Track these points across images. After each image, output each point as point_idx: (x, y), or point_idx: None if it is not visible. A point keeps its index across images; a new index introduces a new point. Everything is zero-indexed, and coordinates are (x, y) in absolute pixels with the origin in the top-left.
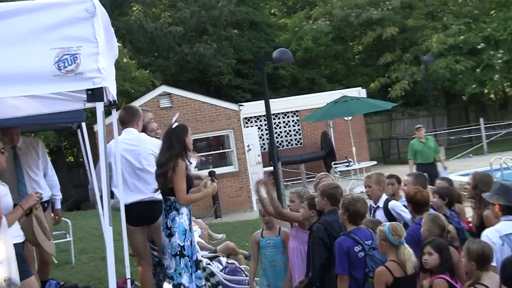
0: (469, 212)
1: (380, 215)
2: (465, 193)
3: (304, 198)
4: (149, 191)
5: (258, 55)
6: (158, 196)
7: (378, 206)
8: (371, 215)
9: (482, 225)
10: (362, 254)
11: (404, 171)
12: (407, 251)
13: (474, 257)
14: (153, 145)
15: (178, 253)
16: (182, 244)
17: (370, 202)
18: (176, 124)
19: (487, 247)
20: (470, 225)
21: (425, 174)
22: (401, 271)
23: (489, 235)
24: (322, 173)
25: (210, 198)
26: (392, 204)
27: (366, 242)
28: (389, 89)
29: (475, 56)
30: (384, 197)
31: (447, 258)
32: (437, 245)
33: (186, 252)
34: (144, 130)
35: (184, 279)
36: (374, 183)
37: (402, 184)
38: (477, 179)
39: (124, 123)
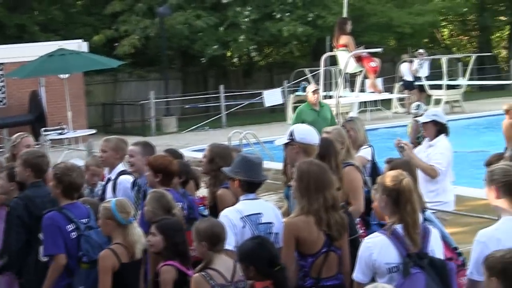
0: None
1: (109, 189)
2: (200, 168)
3: (3, 168)
4: None
5: None
6: None
7: (109, 178)
8: (103, 188)
9: (216, 205)
10: (75, 234)
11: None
12: (137, 231)
13: (204, 237)
14: None
15: None
16: None
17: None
18: None
19: (218, 225)
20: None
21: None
22: (128, 256)
23: (229, 215)
24: (21, 132)
25: None
26: (124, 178)
27: (82, 221)
28: (116, 44)
29: (219, 12)
30: (120, 168)
31: (176, 242)
32: (161, 226)
33: None
34: None
35: None
36: (111, 149)
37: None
38: (214, 152)
39: None
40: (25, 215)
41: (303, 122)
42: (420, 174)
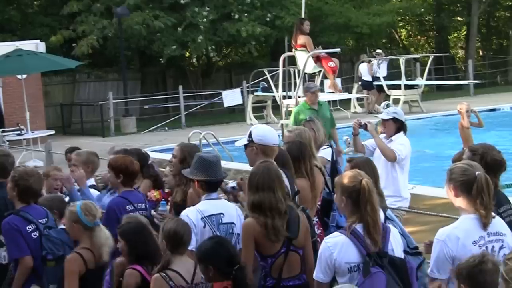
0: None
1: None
2: (165, 170)
3: None
4: None
5: None
6: None
7: None
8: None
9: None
10: (37, 235)
11: (87, 144)
12: (104, 234)
13: (165, 236)
14: None
15: None
16: None
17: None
18: None
19: (183, 227)
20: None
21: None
22: (95, 260)
23: (190, 215)
24: None
25: None
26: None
27: (40, 221)
28: (74, 44)
29: (177, 12)
30: (90, 182)
31: (135, 245)
32: (122, 232)
33: None
34: None
35: None
36: (82, 163)
37: None
38: (185, 151)
39: None
40: None
41: (301, 121)
42: (382, 169)
